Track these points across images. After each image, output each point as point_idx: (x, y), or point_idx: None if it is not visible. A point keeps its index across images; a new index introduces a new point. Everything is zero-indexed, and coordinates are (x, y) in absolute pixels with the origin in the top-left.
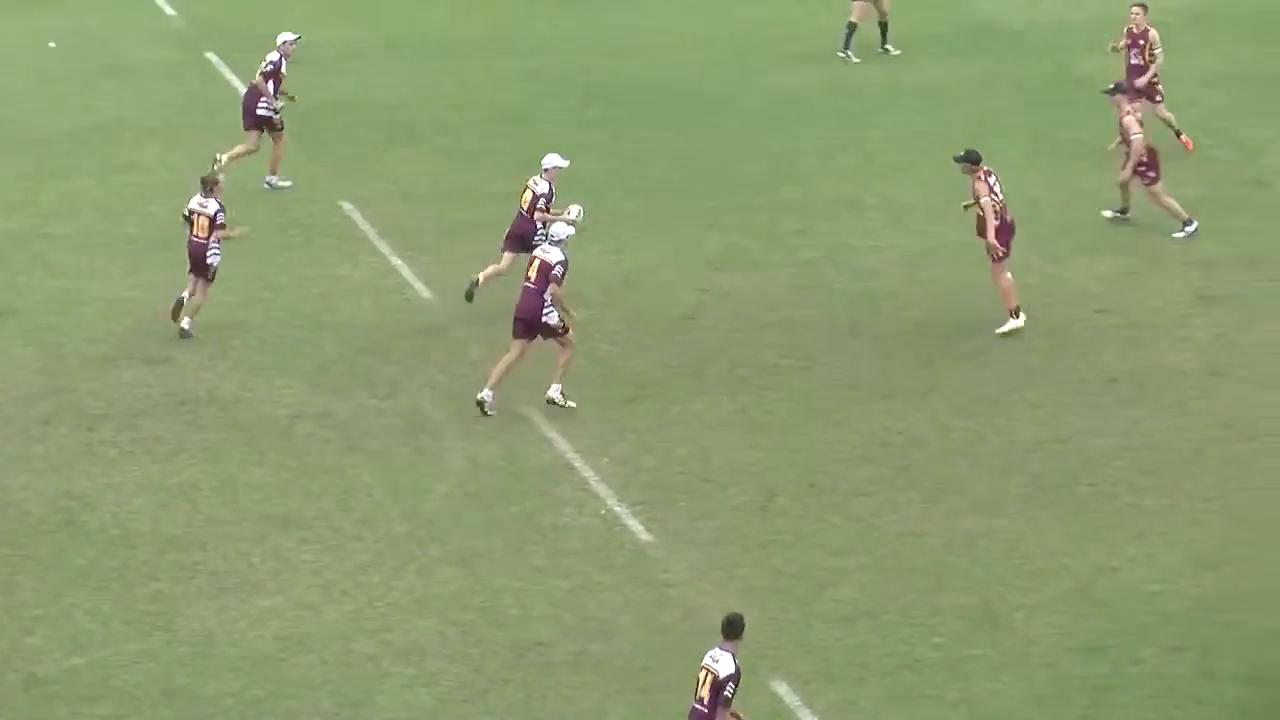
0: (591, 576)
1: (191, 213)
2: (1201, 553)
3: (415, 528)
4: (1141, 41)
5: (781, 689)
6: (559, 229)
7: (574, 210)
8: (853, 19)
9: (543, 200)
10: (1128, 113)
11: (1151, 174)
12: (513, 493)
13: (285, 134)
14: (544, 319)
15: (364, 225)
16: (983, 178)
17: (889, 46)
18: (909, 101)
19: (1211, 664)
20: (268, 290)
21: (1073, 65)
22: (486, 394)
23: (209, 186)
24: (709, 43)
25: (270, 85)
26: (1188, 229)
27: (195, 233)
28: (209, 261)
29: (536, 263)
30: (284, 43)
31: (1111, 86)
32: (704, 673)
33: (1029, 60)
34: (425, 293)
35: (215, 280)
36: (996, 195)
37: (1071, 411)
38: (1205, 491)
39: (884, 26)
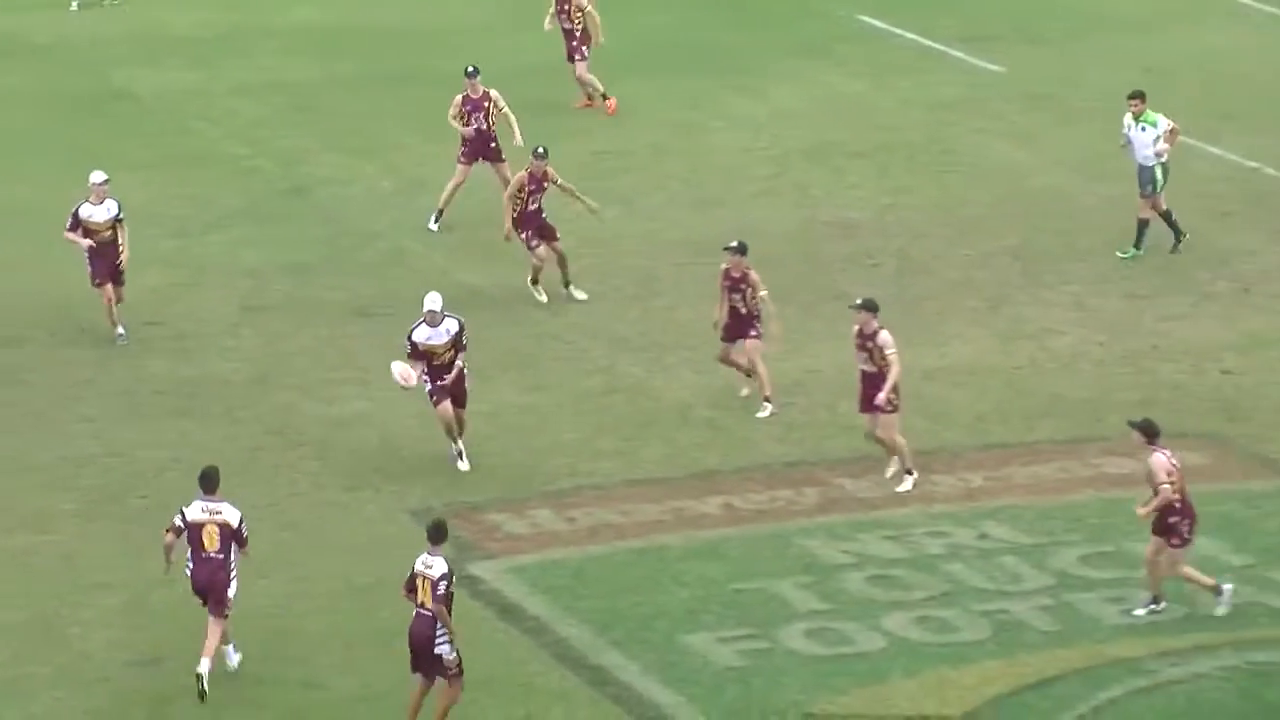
0: None
1: None
2: (256, 561)
3: None
4: (567, 6)
5: None
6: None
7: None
8: None
9: None
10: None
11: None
12: None
13: None
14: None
15: None
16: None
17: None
18: None
19: (270, 670)
20: None
21: (111, 77)
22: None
23: None
24: None
25: None
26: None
27: None
28: None
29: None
30: None
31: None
32: (421, 579)
33: (63, 73)
34: None
35: None
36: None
37: (122, 425)
38: (258, 500)
39: None
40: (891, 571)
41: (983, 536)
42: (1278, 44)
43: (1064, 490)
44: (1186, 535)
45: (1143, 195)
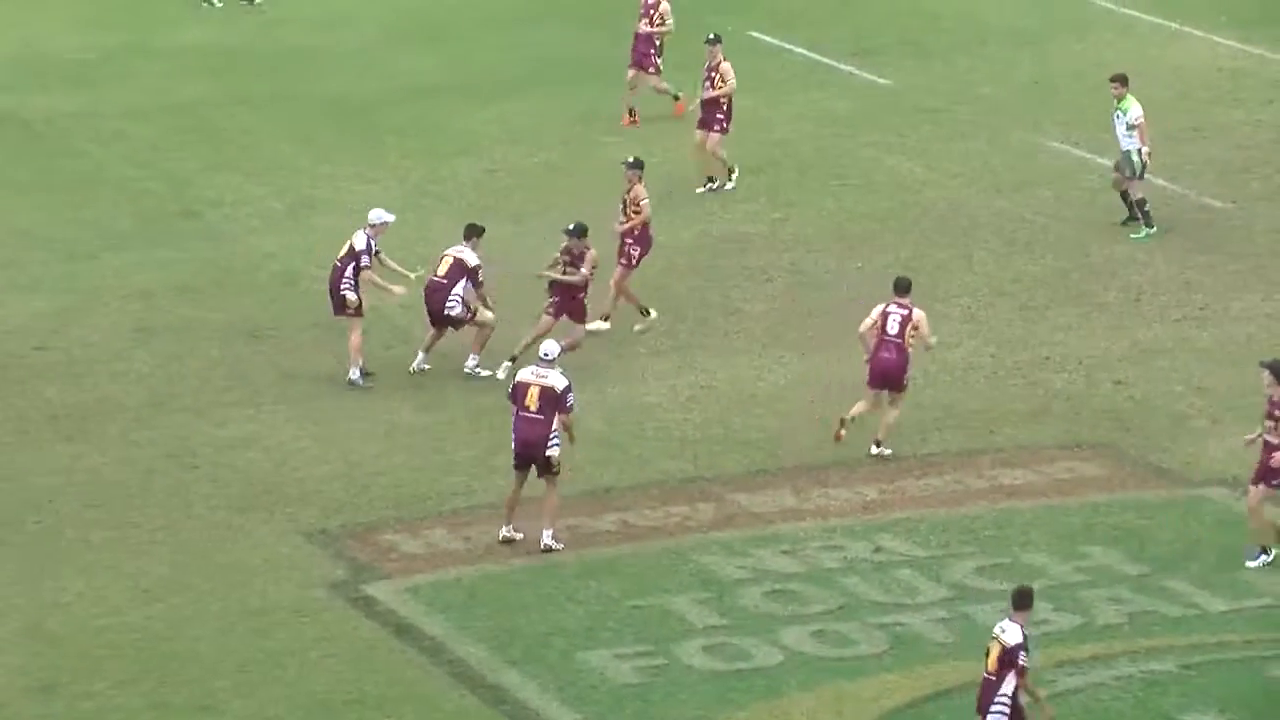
0: None
1: None
2: (149, 584)
3: None
4: (653, 12)
5: None
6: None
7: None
8: None
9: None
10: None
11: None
12: None
13: None
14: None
15: None
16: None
17: None
18: None
19: (164, 694)
20: None
21: None
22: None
23: None
24: None
25: None
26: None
27: None
28: None
29: (536, 390)
30: None
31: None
32: (994, 644)
33: None
34: None
35: None
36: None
37: (14, 450)
38: (152, 523)
39: None
40: (788, 586)
41: (878, 550)
42: (1165, 56)
43: (958, 502)
44: None
45: (1125, 176)
